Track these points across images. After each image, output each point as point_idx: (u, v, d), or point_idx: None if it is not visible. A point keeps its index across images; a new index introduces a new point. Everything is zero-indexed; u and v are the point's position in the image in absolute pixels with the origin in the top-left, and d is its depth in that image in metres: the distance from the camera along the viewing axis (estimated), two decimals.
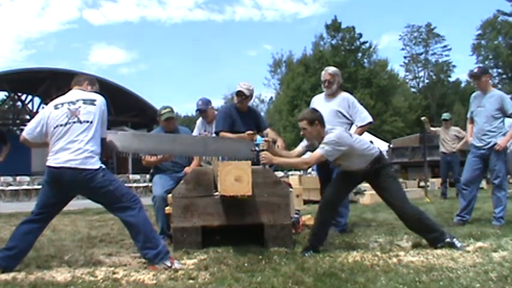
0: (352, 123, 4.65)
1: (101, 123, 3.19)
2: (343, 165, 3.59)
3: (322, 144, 3.42)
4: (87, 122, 3.12)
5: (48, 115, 3.19)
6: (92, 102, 3.20)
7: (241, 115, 4.60)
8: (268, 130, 4.73)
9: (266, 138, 3.71)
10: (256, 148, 3.59)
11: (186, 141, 4.10)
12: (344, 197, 4.00)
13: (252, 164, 3.41)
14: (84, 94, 3.27)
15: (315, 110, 3.65)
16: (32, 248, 3.22)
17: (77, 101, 3.19)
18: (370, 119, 4.66)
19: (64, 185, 3.07)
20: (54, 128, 3.12)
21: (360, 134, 4.57)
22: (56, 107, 3.20)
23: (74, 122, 3.11)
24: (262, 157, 3.48)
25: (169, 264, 3.03)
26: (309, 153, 3.78)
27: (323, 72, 4.78)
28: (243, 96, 4.58)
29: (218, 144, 4.06)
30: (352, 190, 3.92)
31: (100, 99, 3.24)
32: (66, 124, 3.11)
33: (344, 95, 4.70)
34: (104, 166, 3.11)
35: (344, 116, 4.60)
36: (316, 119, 3.51)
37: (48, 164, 3.09)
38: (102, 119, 3.20)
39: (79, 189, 3.16)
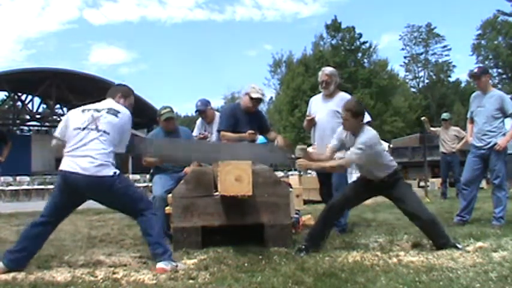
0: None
1: (120, 137, 3.17)
2: (364, 169, 3.57)
3: (358, 148, 3.41)
4: (104, 132, 3.11)
5: (72, 117, 3.23)
6: (115, 113, 3.20)
7: (246, 116, 4.57)
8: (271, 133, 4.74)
9: (302, 147, 3.65)
10: (293, 155, 3.58)
11: (221, 149, 4.05)
12: (352, 206, 4.00)
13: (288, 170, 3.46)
14: (113, 104, 3.28)
15: (360, 103, 3.62)
16: (40, 249, 3.22)
17: (103, 109, 3.20)
18: (368, 118, 4.65)
19: (78, 190, 3.06)
20: (73, 130, 3.13)
21: None
22: (82, 111, 3.23)
23: (92, 129, 3.10)
24: (299, 164, 3.47)
25: (175, 264, 3.04)
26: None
27: (320, 73, 4.77)
28: (259, 102, 4.58)
29: (254, 150, 4.03)
30: (363, 202, 3.93)
31: (125, 114, 3.24)
32: (84, 129, 3.11)
33: (342, 95, 4.70)
34: (118, 172, 3.10)
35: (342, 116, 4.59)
36: (361, 113, 3.51)
37: (62, 168, 3.08)
38: (121, 133, 3.18)
39: (94, 195, 3.15)
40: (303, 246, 3.48)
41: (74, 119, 3.19)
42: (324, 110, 4.64)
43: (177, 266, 3.03)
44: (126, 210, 3.28)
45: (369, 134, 3.47)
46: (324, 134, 4.52)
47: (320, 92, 4.83)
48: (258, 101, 4.57)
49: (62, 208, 3.19)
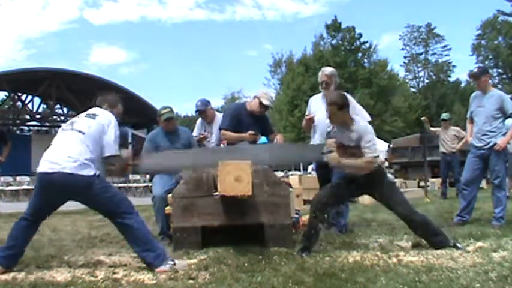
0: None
1: (99, 138, 3.15)
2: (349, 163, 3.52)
3: (370, 139, 3.42)
4: (79, 132, 3.14)
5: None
6: (93, 116, 3.24)
7: (249, 117, 4.55)
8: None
9: (332, 140, 3.64)
10: (325, 150, 3.54)
11: (249, 151, 4.00)
12: (336, 204, 3.99)
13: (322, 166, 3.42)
14: (94, 110, 3.32)
15: (343, 95, 3.60)
16: (28, 245, 3.22)
17: (82, 115, 3.29)
18: (368, 118, 4.65)
19: (57, 190, 3.04)
20: (58, 134, 3.26)
21: None
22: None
23: (67, 130, 3.19)
24: (332, 158, 3.44)
25: (172, 263, 3.03)
26: None
27: (320, 73, 4.77)
28: (267, 109, 4.58)
29: (284, 150, 4.01)
30: (347, 200, 3.92)
31: (104, 116, 3.25)
32: (63, 130, 3.22)
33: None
34: (98, 173, 3.09)
35: None
36: (347, 104, 3.50)
37: (40, 169, 3.08)
38: (99, 134, 3.15)
39: (73, 194, 3.12)
40: (304, 246, 3.48)
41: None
42: (324, 110, 4.63)
43: (174, 264, 3.03)
44: (105, 212, 3.21)
45: (362, 123, 3.50)
46: (324, 134, 4.52)
47: (320, 91, 4.83)
48: (267, 108, 4.57)
49: (42, 208, 3.18)
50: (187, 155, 4.12)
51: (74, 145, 3.08)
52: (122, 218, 3.12)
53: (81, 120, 3.22)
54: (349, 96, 4.67)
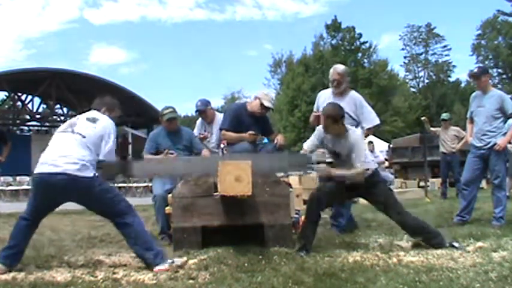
0: (358, 124, 4.55)
1: (99, 142, 3.16)
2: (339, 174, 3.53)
3: (362, 158, 3.43)
4: (80, 134, 3.14)
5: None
6: (93, 120, 3.24)
7: (250, 117, 4.54)
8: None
9: (322, 150, 3.64)
10: (313, 161, 3.53)
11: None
12: (331, 204, 4.01)
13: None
14: (93, 114, 3.32)
15: (338, 107, 3.58)
16: (28, 244, 3.23)
17: (82, 117, 3.28)
18: (377, 121, 4.61)
19: (56, 191, 3.04)
20: (55, 134, 3.24)
21: (367, 136, 4.57)
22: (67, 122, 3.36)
23: (68, 132, 3.18)
24: (321, 170, 3.44)
25: (171, 261, 3.04)
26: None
27: (331, 71, 4.67)
28: (268, 110, 4.57)
29: (270, 160, 3.90)
30: (344, 202, 3.94)
31: (105, 122, 3.26)
32: (62, 132, 3.21)
33: (352, 94, 4.62)
34: (97, 174, 3.09)
35: (351, 116, 4.52)
36: (342, 116, 3.50)
37: (38, 170, 3.08)
38: (99, 138, 3.17)
39: (72, 196, 3.12)
40: (301, 246, 3.48)
41: (60, 126, 3.33)
42: None
43: (173, 262, 3.03)
44: (104, 213, 3.22)
45: (357, 133, 3.51)
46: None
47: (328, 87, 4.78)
48: (268, 109, 4.56)
49: (42, 209, 3.18)
50: (178, 162, 4.08)
51: (74, 147, 3.08)
52: (122, 218, 3.13)
53: (81, 123, 3.22)
54: (358, 97, 4.64)
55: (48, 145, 3.19)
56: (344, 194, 3.72)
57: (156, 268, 2.98)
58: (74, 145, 3.09)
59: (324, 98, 4.74)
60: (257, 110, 4.51)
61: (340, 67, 4.70)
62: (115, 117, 3.44)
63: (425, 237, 3.53)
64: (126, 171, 3.85)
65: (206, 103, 5.34)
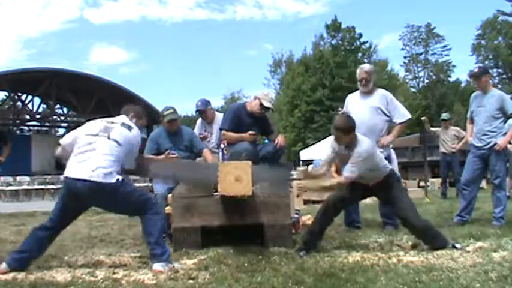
0: (390, 120, 4.63)
1: (129, 151, 3.20)
2: (359, 178, 3.54)
3: (355, 161, 3.40)
4: (115, 141, 3.13)
5: (85, 126, 3.29)
6: (129, 128, 3.26)
7: (250, 117, 4.55)
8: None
9: (302, 169, 3.67)
10: (292, 177, 3.54)
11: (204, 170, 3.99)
12: (348, 205, 4.03)
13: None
14: (127, 120, 3.34)
15: (349, 119, 3.57)
16: (43, 253, 3.23)
17: (117, 122, 3.27)
18: (409, 115, 4.70)
19: (80, 197, 3.05)
20: (85, 136, 3.17)
21: (400, 130, 4.65)
22: (94, 121, 3.30)
23: (104, 136, 3.14)
24: (299, 187, 3.45)
25: (171, 265, 3.04)
26: None
27: (358, 71, 4.78)
28: (267, 110, 4.57)
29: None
30: (359, 201, 3.96)
31: (137, 131, 3.30)
32: (95, 135, 3.15)
33: (381, 91, 4.72)
34: (121, 178, 3.09)
35: (383, 112, 4.59)
36: (353, 128, 3.49)
37: (66, 174, 3.08)
38: (130, 148, 3.22)
39: (97, 202, 3.18)
40: (303, 246, 3.49)
41: (87, 127, 3.26)
42: (365, 106, 4.62)
43: (173, 266, 3.03)
44: (131, 213, 3.36)
45: (364, 145, 3.46)
46: (366, 131, 4.51)
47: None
48: (267, 109, 4.56)
49: (67, 214, 3.19)
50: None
51: (107, 155, 3.07)
52: (149, 214, 3.14)
53: (117, 129, 3.20)
54: (388, 94, 4.73)
55: (78, 147, 3.13)
56: (359, 195, 3.76)
57: (156, 267, 2.97)
58: (107, 152, 3.08)
59: (353, 100, 4.79)
60: (257, 110, 4.51)
61: (366, 66, 4.85)
62: (142, 125, 3.48)
63: (429, 239, 3.51)
64: (142, 173, 3.87)
65: (206, 103, 5.34)
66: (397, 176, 3.77)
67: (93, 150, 3.08)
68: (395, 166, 4.74)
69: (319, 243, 3.59)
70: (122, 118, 3.36)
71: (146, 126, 3.52)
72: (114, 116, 3.41)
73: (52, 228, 3.16)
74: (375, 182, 3.57)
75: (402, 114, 4.65)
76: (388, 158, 4.60)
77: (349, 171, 3.43)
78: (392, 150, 4.82)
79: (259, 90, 4.63)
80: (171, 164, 4.14)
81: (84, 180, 2.99)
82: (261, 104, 4.47)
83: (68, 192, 3.10)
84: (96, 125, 3.25)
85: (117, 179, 3.05)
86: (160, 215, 3.25)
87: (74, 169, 3.05)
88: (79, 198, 3.07)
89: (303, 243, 3.52)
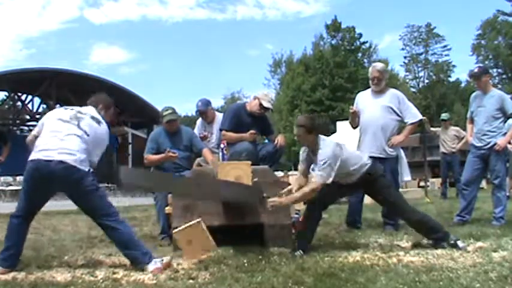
0: (401, 120, 4.65)
1: (96, 144, 3.19)
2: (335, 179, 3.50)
3: (322, 166, 3.35)
4: (85, 132, 3.14)
5: (53, 112, 3.33)
6: (98, 121, 3.26)
7: (249, 117, 4.55)
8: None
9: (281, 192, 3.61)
10: (264, 194, 3.47)
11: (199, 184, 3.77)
12: (332, 201, 3.99)
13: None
14: (95, 113, 3.33)
15: (312, 118, 3.61)
16: (26, 244, 3.21)
17: (86, 114, 3.27)
18: (420, 116, 4.72)
19: (50, 178, 3.00)
20: (56, 120, 3.18)
21: (411, 130, 4.68)
22: (65, 108, 3.32)
23: (74, 124, 3.15)
24: (271, 205, 3.38)
25: (160, 259, 3.04)
26: None
27: (371, 69, 4.79)
28: (267, 110, 4.57)
29: (226, 188, 3.63)
30: (345, 196, 3.96)
31: (105, 126, 3.29)
32: (65, 121, 3.16)
33: (393, 91, 4.74)
34: (92, 171, 3.10)
35: (395, 112, 4.60)
36: (314, 128, 3.47)
37: (34, 157, 3.04)
38: (97, 141, 3.21)
39: (64, 186, 3.08)
40: (299, 245, 3.48)
41: (57, 112, 3.31)
42: (376, 105, 4.63)
43: (162, 260, 3.03)
44: (90, 211, 3.17)
45: (327, 147, 3.41)
46: (377, 130, 4.52)
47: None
48: (267, 109, 4.56)
49: (34, 201, 3.15)
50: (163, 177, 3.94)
51: (77, 141, 3.08)
52: (108, 220, 3.10)
53: (87, 121, 3.21)
54: (400, 93, 4.73)
55: (49, 131, 3.12)
56: (344, 191, 3.76)
57: (150, 268, 2.97)
58: (77, 139, 3.09)
59: (364, 98, 4.79)
60: (256, 110, 4.51)
61: (379, 65, 4.86)
62: (109, 116, 3.46)
63: (428, 231, 3.55)
64: (112, 178, 3.83)
65: (207, 103, 5.33)
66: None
67: (67, 135, 3.09)
68: (404, 165, 4.75)
69: (309, 243, 3.56)
70: (91, 110, 3.34)
71: (116, 119, 3.46)
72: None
73: (19, 219, 3.13)
74: (353, 181, 3.55)
75: (414, 115, 4.65)
76: (398, 157, 4.62)
77: (319, 176, 3.37)
78: (401, 150, 4.81)
79: (260, 91, 4.64)
80: (142, 173, 4.06)
81: (60, 162, 2.97)
82: (261, 104, 4.47)
83: (38, 175, 3.02)
84: (66, 112, 3.26)
85: (89, 170, 3.07)
86: (122, 223, 3.15)
87: (46, 151, 3.02)
88: (51, 181, 3.01)
89: (298, 245, 3.50)
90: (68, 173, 2.99)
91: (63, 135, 3.09)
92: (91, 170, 3.10)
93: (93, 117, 3.26)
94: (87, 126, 3.18)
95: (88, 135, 3.14)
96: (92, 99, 3.47)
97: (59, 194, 3.33)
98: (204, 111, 5.30)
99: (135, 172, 4.03)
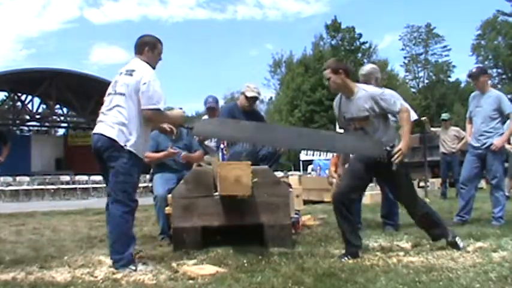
0: (396, 120, 4.61)
1: (134, 96, 3.09)
2: (370, 130, 3.33)
3: (395, 100, 3.37)
4: (121, 94, 3.14)
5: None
6: (130, 73, 3.17)
7: (243, 115, 4.56)
8: None
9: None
10: (388, 147, 3.27)
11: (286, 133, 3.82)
12: (359, 191, 3.82)
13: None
14: (132, 64, 3.25)
15: (340, 60, 3.52)
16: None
17: (122, 72, 3.24)
18: (415, 116, 4.67)
19: (100, 152, 3.12)
20: (106, 96, 3.24)
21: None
22: (119, 74, 3.27)
23: (112, 94, 3.20)
24: (399, 154, 3.20)
25: (133, 268, 3.00)
26: None
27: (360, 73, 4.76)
28: (255, 100, 4.58)
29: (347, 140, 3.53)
30: (368, 183, 3.72)
31: (141, 70, 3.14)
32: (109, 94, 3.22)
33: (387, 92, 4.68)
34: (131, 149, 3.07)
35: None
36: (341, 67, 3.37)
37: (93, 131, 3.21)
38: (137, 90, 3.08)
39: (105, 157, 3.13)
40: (348, 248, 3.30)
41: (110, 85, 3.31)
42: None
43: (135, 269, 2.99)
44: (110, 188, 3.16)
45: (368, 87, 3.41)
46: None
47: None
48: (254, 99, 4.59)
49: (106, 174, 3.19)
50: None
51: (116, 113, 3.11)
52: (117, 205, 3.09)
53: (121, 80, 3.19)
54: (395, 94, 4.49)
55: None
56: (364, 177, 3.47)
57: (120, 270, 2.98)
58: (116, 109, 3.11)
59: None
60: (245, 104, 4.59)
61: (364, 68, 4.70)
62: (158, 53, 3.34)
63: (430, 226, 3.46)
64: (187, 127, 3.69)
65: (217, 100, 5.33)
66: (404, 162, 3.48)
67: (108, 111, 3.16)
68: None
69: (360, 239, 3.39)
70: (132, 62, 3.27)
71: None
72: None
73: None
74: (379, 161, 3.29)
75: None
76: None
77: (399, 102, 3.35)
78: None
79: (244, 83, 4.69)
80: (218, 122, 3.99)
81: (100, 134, 3.09)
82: (246, 96, 4.50)
83: (93, 148, 3.16)
84: (112, 82, 3.28)
85: (125, 145, 3.05)
86: (130, 215, 3.13)
87: (96, 127, 3.17)
88: (99, 153, 3.13)
89: (348, 250, 3.29)
90: (105, 144, 3.12)
91: (107, 110, 3.20)
92: (128, 147, 3.09)
93: (127, 71, 3.20)
94: (122, 87, 3.18)
95: (123, 94, 3.15)
96: (136, 47, 3.33)
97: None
98: (214, 107, 5.28)
99: (211, 122, 4.03)
